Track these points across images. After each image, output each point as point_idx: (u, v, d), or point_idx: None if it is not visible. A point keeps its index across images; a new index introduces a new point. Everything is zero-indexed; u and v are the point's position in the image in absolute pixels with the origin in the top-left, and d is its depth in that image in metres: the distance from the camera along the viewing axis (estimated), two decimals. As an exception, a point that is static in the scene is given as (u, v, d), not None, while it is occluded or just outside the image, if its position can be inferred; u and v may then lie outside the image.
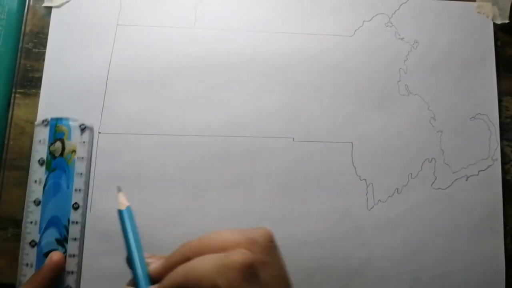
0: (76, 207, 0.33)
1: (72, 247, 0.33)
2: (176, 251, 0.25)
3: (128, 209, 0.27)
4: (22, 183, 0.34)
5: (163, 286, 0.23)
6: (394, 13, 0.38)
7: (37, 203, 0.32)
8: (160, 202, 0.34)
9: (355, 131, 0.36)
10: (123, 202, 0.27)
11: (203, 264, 0.22)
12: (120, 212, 0.27)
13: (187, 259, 0.24)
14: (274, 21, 0.37)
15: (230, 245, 0.23)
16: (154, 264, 0.25)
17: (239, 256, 0.22)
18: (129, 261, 0.26)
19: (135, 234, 0.27)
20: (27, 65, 0.36)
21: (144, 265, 0.25)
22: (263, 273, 0.22)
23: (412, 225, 0.35)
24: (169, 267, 0.24)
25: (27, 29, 0.37)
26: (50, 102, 0.35)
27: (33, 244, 0.32)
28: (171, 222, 0.34)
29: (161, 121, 0.35)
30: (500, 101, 0.37)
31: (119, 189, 0.28)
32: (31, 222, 0.33)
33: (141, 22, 0.37)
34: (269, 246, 0.24)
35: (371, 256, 0.34)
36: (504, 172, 0.36)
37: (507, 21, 0.38)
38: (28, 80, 0.36)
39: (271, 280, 0.23)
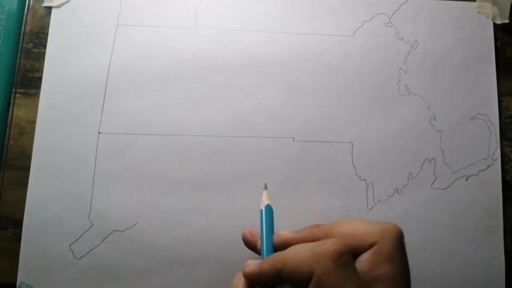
0: None
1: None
2: (306, 228, 0.27)
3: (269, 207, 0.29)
4: (22, 183, 0.34)
5: (262, 267, 0.25)
6: (394, 13, 0.38)
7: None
8: (160, 202, 0.34)
9: (355, 131, 0.36)
10: (265, 200, 0.29)
11: (300, 253, 0.23)
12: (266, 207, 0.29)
13: (315, 239, 0.25)
14: (274, 21, 0.37)
15: (360, 233, 0.24)
16: (283, 233, 0.27)
17: (332, 244, 0.23)
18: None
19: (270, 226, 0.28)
20: (27, 65, 0.36)
21: (271, 239, 0.28)
22: (386, 267, 0.23)
23: (412, 225, 0.35)
24: (296, 239, 0.26)
25: (27, 29, 0.37)
26: (50, 102, 0.35)
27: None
28: (171, 222, 0.34)
29: (161, 121, 0.35)
30: (500, 101, 0.37)
31: (266, 187, 0.30)
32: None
33: (141, 22, 0.37)
34: (399, 243, 0.24)
35: (371, 256, 0.34)
36: (504, 172, 0.36)
37: (507, 21, 0.38)
38: (28, 80, 0.36)
39: (391, 277, 0.23)
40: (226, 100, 0.36)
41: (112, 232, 0.33)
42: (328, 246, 0.23)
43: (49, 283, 0.33)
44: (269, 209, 0.29)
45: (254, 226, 0.30)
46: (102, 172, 0.34)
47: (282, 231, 0.27)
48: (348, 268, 0.22)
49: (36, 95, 0.36)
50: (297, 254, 0.23)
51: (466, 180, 0.35)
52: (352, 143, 0.36)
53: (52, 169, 0.34)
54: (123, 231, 0.33)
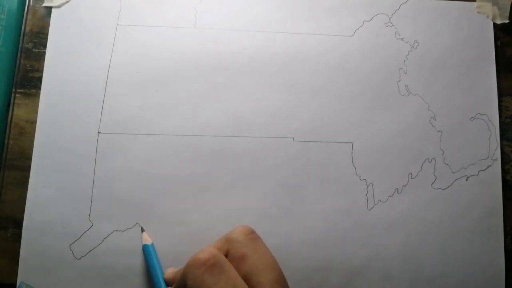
0: None
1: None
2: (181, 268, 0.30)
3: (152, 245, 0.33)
4: (22, 183, 0.34)
5: None
6: (394, 13, 0.38)
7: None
8: (160, 202, 0.34)
9: (355, 131, 0.36)
10: (148, 239, 0.33)
11: (179, 272, 0.26)
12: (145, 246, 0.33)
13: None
14: (274, 21, 0.37)
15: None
16: (168, 273, 0.31)
17: (200, 254, 0.25)
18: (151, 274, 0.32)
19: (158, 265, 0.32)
20: (27, 65, 0.36)
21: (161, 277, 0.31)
22: (244, 264, 0.25)
23: (412, 225, 0.35)
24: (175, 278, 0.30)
25: (27, 29, 0.37)
26: (50, 102, 0.35)
27: None
28: (171, 222, 0.34)
29: (161, 121, 0.35)
30: (500, 101, 0.37)
31: (143, 230, 0.33)
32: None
33: (141, 22, 0.37)
34: (247, 239, 0.27)
35: (371, 256, 0.34)
36: (504, 172, 0.36)
37: (507, 21, 0.38)
38: (28, 80, 0.36)
39: (253, 267, 0.25)
40: (226, 100, 0.36)
41: (112, 232, 0.33)
42: (198, 255, 0.25)
43: (49, 283, 0.33)
44: (151, 247, 0.32)
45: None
46: (102, 172, 0.34)
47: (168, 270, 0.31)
48: (216, 270, 0.24)
49: (36, 95, 0.36)
50: (179, 275, 0.26)
51: (466, 180, 0.35)
52: (352, 143, 0.36)
53: (52, 169, 0.34)
54: (123, 231, 0.33)
